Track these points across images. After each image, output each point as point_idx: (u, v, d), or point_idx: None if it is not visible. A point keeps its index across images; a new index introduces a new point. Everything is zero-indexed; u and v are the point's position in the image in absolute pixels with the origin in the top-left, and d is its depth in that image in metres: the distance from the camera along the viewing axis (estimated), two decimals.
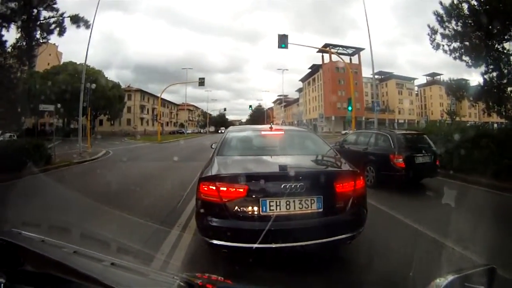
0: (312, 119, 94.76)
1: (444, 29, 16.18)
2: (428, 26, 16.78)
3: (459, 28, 15.65)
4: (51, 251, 1.87)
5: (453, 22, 15.78)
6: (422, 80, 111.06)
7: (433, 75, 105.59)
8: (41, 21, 17.05)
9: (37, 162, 14.07)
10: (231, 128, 7.11)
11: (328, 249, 4.41)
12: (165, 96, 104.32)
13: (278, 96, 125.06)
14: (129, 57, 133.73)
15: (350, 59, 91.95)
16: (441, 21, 16.10)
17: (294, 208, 4.01)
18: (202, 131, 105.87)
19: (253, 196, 4.00)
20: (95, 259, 1.78)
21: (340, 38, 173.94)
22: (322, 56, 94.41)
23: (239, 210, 4.01)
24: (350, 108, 27.35)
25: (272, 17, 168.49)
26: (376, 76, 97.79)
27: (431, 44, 16.80)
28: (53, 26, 17.37)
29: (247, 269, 3.83)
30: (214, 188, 4.08)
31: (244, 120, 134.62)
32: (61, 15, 17.33)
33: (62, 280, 1.60)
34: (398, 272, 4.17)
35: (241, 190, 4.00)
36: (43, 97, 42.39)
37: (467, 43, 15.56)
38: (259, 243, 3.70)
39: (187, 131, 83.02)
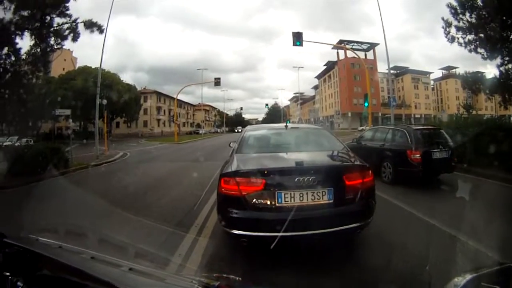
0: (329, 116, 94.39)
1: (458, 22, 15.93)
2: (442, 19, 16.55)
3: (473, 20, 15.37)
4: (68, 257, 1.89)
5: (467, 14, 15.51)
6: (437, 74, 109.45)
7: (448, 68, 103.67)
8: (55, 28, 17.23)
9: (55, 166, 14.18)
10: (248, 127, 7.46)
11: (339, 238, 4.66)
12: (181, 97, 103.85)
13: (294, 94, 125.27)
14: (144, 60, 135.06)
15: (365, 55, 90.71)
16: (455, 13, 15.84)
17: (307, 200, 4.33)
18: (218, 130, 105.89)
19: (270, 189, 4.32)
20: (113, 265, 1.79)
21: (354, 34, 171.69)
22: (337, 52, 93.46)
23: (257, 202, 4.35)
24: (366, 104, 27.06)
25: (285, 16, 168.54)
26: (391, 71, 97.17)
27: (446, 37, 16.56)
28: (66, 32, 17.53)
29: (265, 270, 4.04)
30: (234, 182, 4.44)
31: (260, 118, 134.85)
32: (74, 21, 17.47)
33: (80, 285, 1.60)
34: (410, 264, 4.22)
35: (259, 184, 4.35)
36: (59, 102, 43.25)
37: (481, 35, 15.26)
38: (275, 232, 3.91)
39: (202, 131, 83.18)
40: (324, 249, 4.57)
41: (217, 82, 44.14)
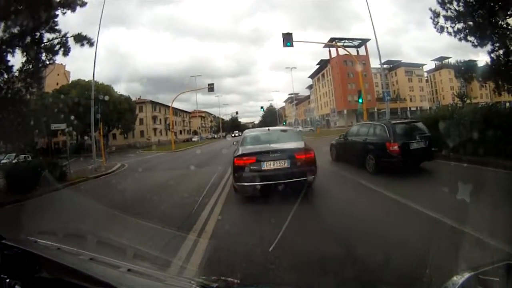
0: (324, 115, 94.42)
1: (446, 11, 16.01)
2: (430, 9, 16.62)
3: (461, 9, 15.45)
4: (67, 258, 1.92)
5: (455, 3, 15.60)
6: (430, 65, 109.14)
7: (441, 59, 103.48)
8: (45, 43, 17.27)
9: (53, 180, 14.36)
10: (246, 131, 12.28)
11: (295, 186, 7.92)
12: (176, 105, 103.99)
13: (289, 94, 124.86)
14: (137, 70, 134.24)
15: (357, 51, 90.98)
16: (442, 3, 15.91)
17: (276, 166, 8.11)
18: (215, 136, 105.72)
19: (258, 161, 8.10)
20: (112, 266, 1.81)
21: (345, 32, 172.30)
22: (329, 50, 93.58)
23: (252, 168, 8.07)
24: (360, 100, 27.12)
25: (274, 18, 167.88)
26: (384, 66, 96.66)
27: (435, 27, 16.66)
28: (57, 47, 17.57)
29: (264, 272, 4.19)
30: (241, 159, 8.22)
31: (256, 121, 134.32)
32: (64, 35, 17.51)
33: (78, 287, 1.61)
34: (403, 254, 4.53)
35: (253, 159, 8.14)
36: (54, 116, 43.10)
37: (470, 23, 15.34)
38: (261, 182, 7.81)
39: (197, 138, 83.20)
40: (288, 194, 7.81)
41: (210, 88, 44.15)
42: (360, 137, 13.05)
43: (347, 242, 5.25)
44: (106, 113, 50.93)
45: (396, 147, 10.87)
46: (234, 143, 11.28)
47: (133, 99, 76.10)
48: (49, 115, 44.58)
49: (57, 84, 62.32)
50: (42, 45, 17.22)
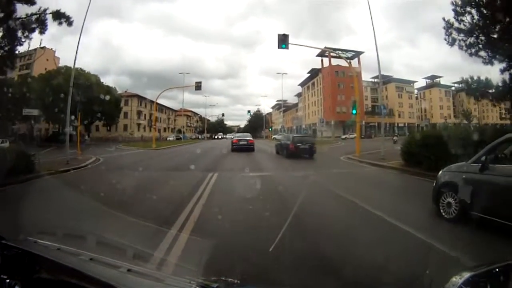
0: (312, 124, 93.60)
1: (460, 23, 15.03)
2: (443, 19, 15.66)
3: (476, 21, 14.46)
4: (66, 258, 1.94)
5: (468, 16, 14.62)
6: (421, 83, 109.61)
7: (432, 77, 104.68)
8: (22, 19, 15.88)
9: (18, 172, 13.04)
10: (236, 134, 42.03)
11: (250, 150, 29.93)
12: (163, 101, 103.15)
13: (277, 101, 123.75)
14: (127, 64, 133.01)
15: (350, 63, 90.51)
16: (457, 13, 14.92)
17: (244, 142, 31.41)
18: (200, 137, 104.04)
19: (236, 141, 32.03)
20: (112, 266, 1.86)
21: (336, 43, 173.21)
22: (322, 60, 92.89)
23: (235, 143, 31.46)
24: (354, 111, 26.26)
25: (267, 23, 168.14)
26: (375, 80, 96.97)
27: (447, 39, 15.85)
28: (34, 24, 16.22)
29: (263, 272, 4.37)
30: (233, 140, 33.02)
31: (242, 125, 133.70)
32: (44, 11, 16.20)
33: (78, 287, 1.64)
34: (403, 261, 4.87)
35: (235, 140, 32.54)
36: (35, 102, 41.58)
37: (483, 37, 14.39)
38: (236, 148, 30.38)
39: (170, 137, 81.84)
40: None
41: (198, 86, 43.47)
42: (283, 141, 27.23)
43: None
44: (89, 102, 49.43)
45: (293, 146, 23.82)
46: (228, 137, 42.62)
47: (120, 91, 75.95)
48: (31, 100, 43.43)
49: (46, 69, 60.12)
50: (19, 20, 15.82)
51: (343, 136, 75.57)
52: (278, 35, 23.26)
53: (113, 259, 1.94)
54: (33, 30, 16.44)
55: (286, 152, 24.27)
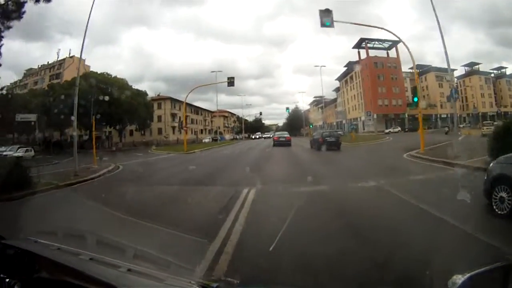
0: (352, 119, 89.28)
1: None
2: None
3: None
4: (66, 258, 1.96)
5: None
6: (460, 71, 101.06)
7: (471, 64, 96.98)
8: None
9: (7, 187, 11.13)
10: (275, 133, 57.01)
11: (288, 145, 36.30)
12: (199, 104, 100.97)
13: (314, 97, 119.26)
14: (161, 70, 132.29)
15: (387, 53, 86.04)
16: None
17: (283, 139, 39.11)
18: (237, 137, 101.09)
19: (276, 138, 40.60)
20: (112, 266, 1.86)
21: (367, 36, 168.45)
22: (358, 52, 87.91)
23: (275, 140, 39.76)
24: (416, 99, 22.29)
25: (296, 22, 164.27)
26: (413, 70, 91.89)
27: None
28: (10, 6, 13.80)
29: (263, 273, 4.47)
30: (275, 137, 42.51)
31: (280, 124, 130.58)
32: None
33: (78, 287, 1.65)
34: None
35: (276, 138, 40.94)
36: (64, 109, 40.55)
37: None
38: (277, 145, 37.16)
39: (205, 140, 79.33)
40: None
41: (230, 82, 40.42)
42: (315, 137, 32.38)
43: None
44: (118, 107, 47.63)
45: (321, 140, 28.50)
46: (268, 136, 58.60)
47: (154, 95, 74.94)
48: (56, 107, 42.13)
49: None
50: None
51: (387, 130, 70.68)
52: (320, 11, 19.39)
53: (113, 259, 1.92)
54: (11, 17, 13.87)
55: (317, 145, 29.98)
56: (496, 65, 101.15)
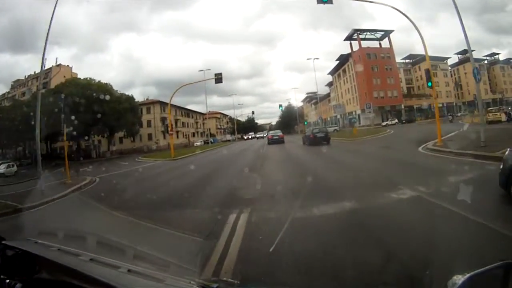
0: (347, 113, 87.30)
1: None
2: None
3: None
4: (67, 259, 1.93)
5: None
6: (453, 59, 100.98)
7: (464, 52, 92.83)
8: None
9: None
10: (269, 132, 61.89)
11: (281, 142, 39.81)
12: (191, 106, 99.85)
13: (307, 93, 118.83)
14: (151, 74, 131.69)
15: (380, 44, 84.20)
16: None
17: (276, 137, 42.40)
18: (230, 138, 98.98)
19: (270, 137, 44.71)
20: (112, 266, 1.83)
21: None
22: (350, 43, 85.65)
23: (269, 138, 43.86)
24: (430, 83, 20.02)
25: (284, 19, 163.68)
26: (406, 60, 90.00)
27: None
28: None
29: (262, 273, 4.31)
30: (268, 135, 47.93)
31: (274, 122, 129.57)
32: None
33: (78, 287, 1.64)
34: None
35: (269, 136, 46.14)
36: (49, 120, 38.60)
37: None
38: (271, 143, 40.32)
39: (197, 143, 77.04)
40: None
41: (218, 79, 38.45)
42: (307, 133, 35.88)
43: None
44: (103, 113, 45.42)
45: (312, 135, 32.05)
46: (261, 137, 70.40)
47: (143, 99, 73.62)
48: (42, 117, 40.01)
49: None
50: None
51: (384, 123, 68.64)
52: None
53: (113, 259, 1.89)
54: None
55: (308, 141, 32.33)
56: (486, 52, 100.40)
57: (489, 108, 43.57)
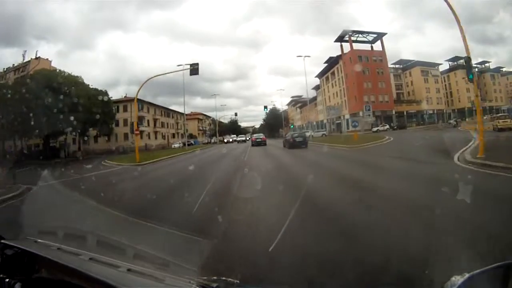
0: (335, 118, 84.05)
1: None
2: None
3: None
4: (66, 258, 1.94)
5: None
6: (444, 66, 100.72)
7: (455, 59, 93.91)
8: None
9: None
10: (252, 135, 68.14)
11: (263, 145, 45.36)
12: (174, 107, 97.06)
13: (292, 97, 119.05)
14: (136, 74, 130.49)
15: (372, 47, 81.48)
16: None
17: (259, 140, 48.59)
18: (211, 140, 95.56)
19: (254, 139, 50.66)
20: (111, 266, 1.84)
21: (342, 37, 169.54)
22: (341, 45, 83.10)
23: (253, 140, 50.11)
24: (471, 76, 15.75)
25: (271, 23, 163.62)
26: (397, 66, 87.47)
27: None
28: None
29: (262, 273, 4.19)
30: (252, 138, 54.61)
31: (257, 126, 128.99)
32: None
33: (78, 286, 1.65)
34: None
35: (253, 139, 51.70)
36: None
37: None
38: (254, 145, 46.02)
39: (175, 145, 73.98)
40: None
41: (194, 69, 35.12)
42: (287, 137, 39.60)
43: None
44: (70, 108, 40.55)
45: (292, 139, 35.42)
46: (248, 140, 69.83)
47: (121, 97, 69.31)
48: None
49: None
50: None
51: (374, 129, 65.02)
52: None
53: (113, 259, 1.89)
54: None
55: (288, 144, 35.53)
56: (474, 62, 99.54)
57: (498, 115, 40.21)
